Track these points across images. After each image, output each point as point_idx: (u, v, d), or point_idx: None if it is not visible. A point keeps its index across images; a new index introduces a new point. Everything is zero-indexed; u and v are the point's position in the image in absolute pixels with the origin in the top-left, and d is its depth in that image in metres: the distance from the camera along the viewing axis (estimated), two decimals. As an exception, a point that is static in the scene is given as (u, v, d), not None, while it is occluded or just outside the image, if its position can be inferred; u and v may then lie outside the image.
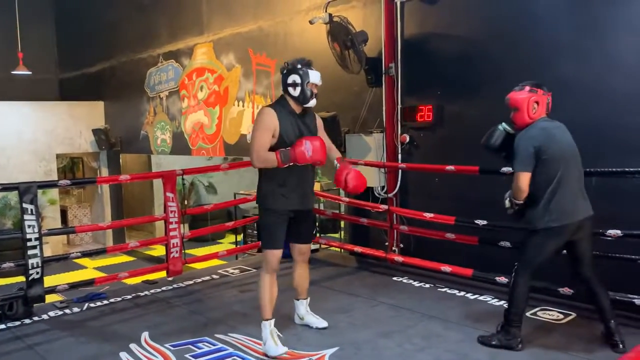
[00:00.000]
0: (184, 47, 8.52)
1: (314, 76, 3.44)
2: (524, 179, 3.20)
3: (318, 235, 7.28)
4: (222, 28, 7.71)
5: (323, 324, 3.78)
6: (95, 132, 10.62)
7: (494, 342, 3.38)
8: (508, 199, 3.39)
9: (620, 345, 3.24)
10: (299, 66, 3.44)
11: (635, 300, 3.62)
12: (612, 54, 4.02)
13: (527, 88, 3.28)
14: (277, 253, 3.49)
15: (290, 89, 3.45)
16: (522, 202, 3.28)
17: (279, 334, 3.51)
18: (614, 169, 3.73)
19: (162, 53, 9.03)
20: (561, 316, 3.87)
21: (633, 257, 3.67)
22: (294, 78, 3.43)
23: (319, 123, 3.69)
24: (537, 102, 3.25)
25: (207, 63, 8.05)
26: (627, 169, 3.68)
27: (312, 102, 3.49)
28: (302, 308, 3.84)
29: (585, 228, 3.31)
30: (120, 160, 11.02)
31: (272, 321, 3.47)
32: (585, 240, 3.34)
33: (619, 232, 3.69)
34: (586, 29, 4.16)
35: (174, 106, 8.91)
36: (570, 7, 4.25)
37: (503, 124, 3.44)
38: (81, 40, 11.28)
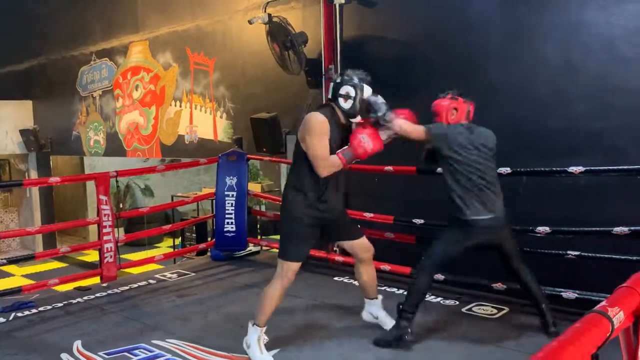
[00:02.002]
0: (119, 45, 8.25)
1: (368, 93, 3.26)
2: (421, 129, 3.35)
3: (259, 237, 7.23)
4: (159, 26, 7.52)
5: None
6: (24, 132, 10.08)
7: (387, 338, 3.44)
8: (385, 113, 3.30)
9: (552, 327, 3.44)
10: (356, 79, 3.25)
11: (562, 294, 3.80)
12: (538, 58, 4.21)
13: (450, 96, 3.46)
14: (294, 265, 3.31)
15: (341, 100, 3.23)
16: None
17: (266, 338, 3.36)
18: (542, 169, 3.90)
19: (96, 51, 8.70)
20: (495, 311, 4.00)
21: (560, 252, 3.85)
22: (347, 90, 3.22)
23: None
24: (455, 109, 3.43)
25: (142, 62, 7.82)
26: (554, 169, 3.85)
27: (357, 119, 3.28)
28: (377, 308, 3.70)
29: (504, 230, 3.44)
30: (51, 163, 10.52)
31: (264, 329, 3.33)
32: (508, 240, 3.48)
33: (547, 228, 3.86)
34: (514, 35, 4.34)
35: (108, 106, 8.61)
36: (499, 13, 4.42)
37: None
38: (7, 35, 10.69)
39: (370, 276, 3.63)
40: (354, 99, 3.22)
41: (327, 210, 3.31)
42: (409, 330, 3.38)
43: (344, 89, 3.23)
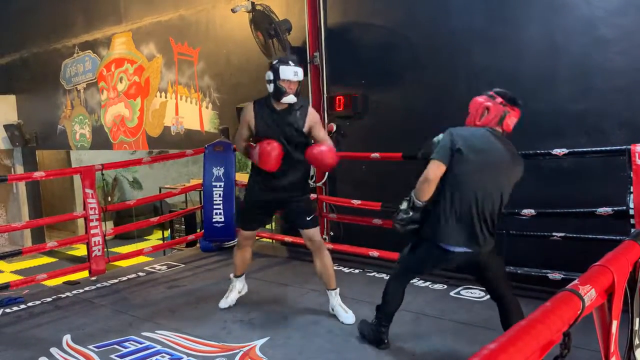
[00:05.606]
0: (101, 36, 8.15)
1: (285, 73, 3.38)
2: (435, 169, 2.80)
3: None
4: (141, 17, 7.44)
5: (349, 320, 3.62)
6: (8, 127, 9.96)
7: (365, 333, 3.34)
8: (408, 200, 2.93)
9: None
10: (275, 62, 3.45)
11: (548, 275, 3.84)
12: (522, 41, 4.21)
13: (490, 93, 2.92)
14: (244, 233, 3.85)
15: (267, 85, 3.48)
16: (422, 203, 2.86)
17: (240, 291, 4.05)
18: (526, 152, 3.91)
19: (78, 43, 8.60)
20: (482, 294, 4.03)
21: (546, 234, 3.88)
22: (268, 75, 3.46)
23: (312, 119, 3.53)
24: (487, 109, 2.87)
25: (126, 53, 7.75)
26: (538, 151, 3.87)
27: (287, 99, 3.43)
28: (331, 299, 3.74)
29: (483, 258, 2.93)
30: (37, 157, 10.43)
31: (237, 278, 4.02)
32: (490, 267, 2.97)
33: (532, 211, 3.89)
34: (498, 18, 4.34)
35: (93, 99, 8.53)
36: (484, -4, 4.42)
37: (440, 136, 2.96)
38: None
39: (320, 267, 3.71)
40: (274, 81, 3.42)
41: (267, 193, 3.64)
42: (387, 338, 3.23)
43: (267, 75, 3.48)
